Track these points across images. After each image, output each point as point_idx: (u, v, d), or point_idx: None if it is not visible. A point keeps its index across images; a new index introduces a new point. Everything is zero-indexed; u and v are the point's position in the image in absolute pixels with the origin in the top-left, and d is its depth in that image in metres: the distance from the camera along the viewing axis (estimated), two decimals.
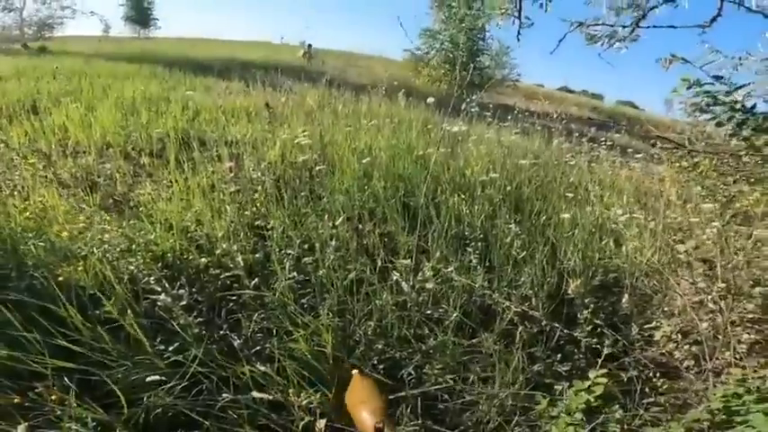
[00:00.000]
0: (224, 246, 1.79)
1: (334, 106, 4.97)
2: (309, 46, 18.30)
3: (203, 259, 1.88)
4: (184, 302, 1.44)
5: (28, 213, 2.02)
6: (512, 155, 3.56)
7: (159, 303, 1.45)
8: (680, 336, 1.88)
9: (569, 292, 1.86)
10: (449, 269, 1.83)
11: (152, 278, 1.52)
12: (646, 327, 1.97)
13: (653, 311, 2.13)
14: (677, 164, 4.06)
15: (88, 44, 16.38)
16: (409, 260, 1.83)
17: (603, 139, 4.90)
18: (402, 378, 1.58)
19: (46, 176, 2.51)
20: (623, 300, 2.09)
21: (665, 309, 2.02)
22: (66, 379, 1.26)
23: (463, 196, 2.52)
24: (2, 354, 1.27)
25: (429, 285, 1.79)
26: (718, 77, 1.71)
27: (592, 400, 1.18)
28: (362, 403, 1.03)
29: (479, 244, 2.04)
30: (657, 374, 1.61)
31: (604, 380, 1.22)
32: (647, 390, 1.60)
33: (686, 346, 1.72)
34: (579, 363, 1.73)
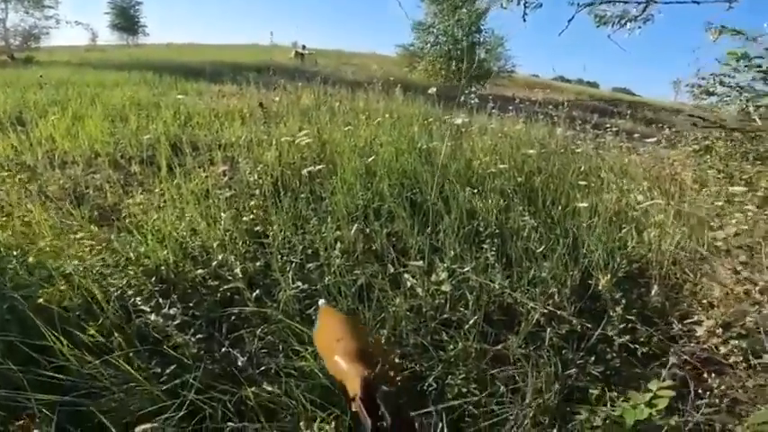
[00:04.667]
0: (220, 257, 1.64)
1: (331, 104, 4.83)
2: (303, 46, 18.17)
3: (200, 270, 1.74)
4: (178, 321, 1.29)
5: (10, 231, 1.89)
6: (518, 145, 3.42)
7: (150, 324, 1.31)
8: (721, 329, 1.75)
9: (599, 287, 1.72)
10: (465, 269, 1.68)
11: (142, 296, 1.38)
12: (685, 321, 1.84)
13: (688, 303, 1.99)
14: (688, 147, 3.92)
15: (76, 54, 16.21)
16: (421, 261, 1.69)
17: (608, 125, 4.75)
18: (423, 391, 1.45)
19: (31, 191, 2.37)
20: (653, 291, 1.95)
21: (703, 300, 1.88)
22: (49, 411, 1.13)
23: (473, 190, 2.39)
24: None
25: (445, 288, 1.64)
26: None
27: (654, 413, 1.04)
28: (337, 342, 0.74)
29: (495, 240, 1.90)
30: (712, 374, 1.47)
31: (670, 393, 1.07)
32: (699, 390, 1.47)
33: (732, 341, 1.57)
34: (614, 363, 1.59)
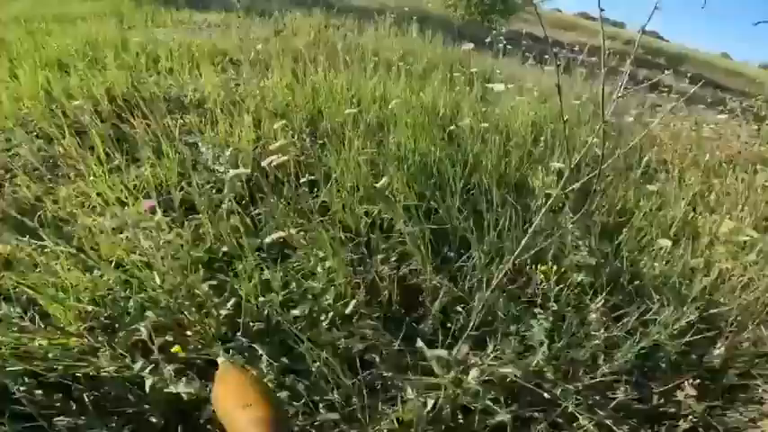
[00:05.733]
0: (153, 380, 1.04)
1: (333, 40, 4.05)
2: None
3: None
4: None
5: None
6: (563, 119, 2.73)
7: None
8: None
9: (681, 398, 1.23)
10: (506, 369, 1.15)
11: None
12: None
13: (748, 358, 1.50)
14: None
15: None
16: (445, 351, 1.15)
17: (665, 87, 3.97)
18: None
19: None
20: (715, 352, 1.45)
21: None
22: None
23: (512, 201, 1.77)
24: None
25: (471, 382, 1.12)
26: None
27: None
28: (244, 408, 0.60)
29: (547, 305, 1.33)
30: None
31: None
32: None
33: None
34: None
